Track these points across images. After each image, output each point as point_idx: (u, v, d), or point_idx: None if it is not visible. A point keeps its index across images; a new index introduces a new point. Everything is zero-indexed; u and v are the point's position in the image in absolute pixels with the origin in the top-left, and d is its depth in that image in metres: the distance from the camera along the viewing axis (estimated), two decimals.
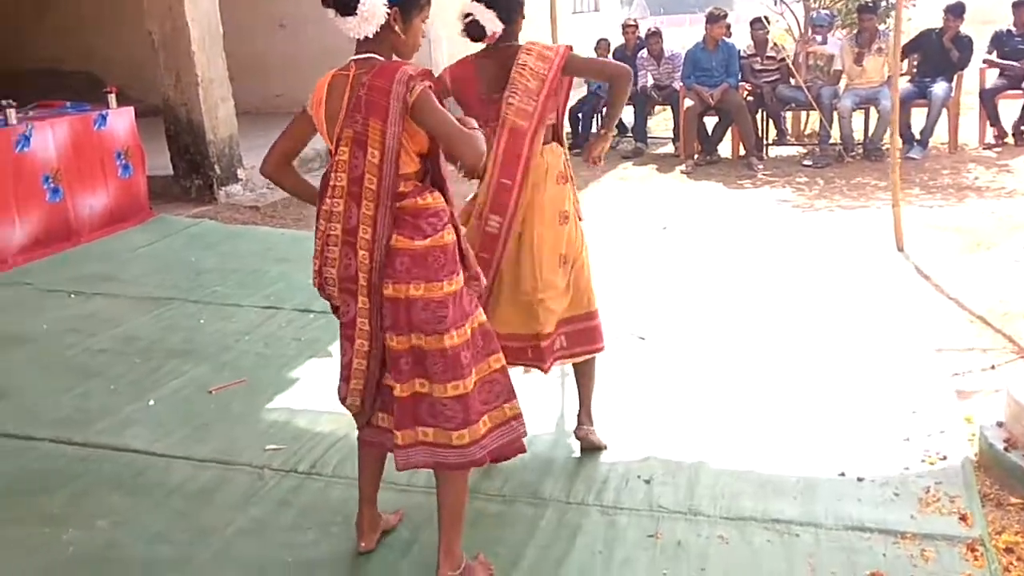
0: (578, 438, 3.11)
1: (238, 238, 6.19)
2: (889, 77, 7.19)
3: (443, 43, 9.73)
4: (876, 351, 3.85)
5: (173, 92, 7.01)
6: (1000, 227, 5.67)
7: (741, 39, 9.18)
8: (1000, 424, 2.95)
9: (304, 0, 9.59)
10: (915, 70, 8.32)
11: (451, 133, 2.17)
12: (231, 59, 7.30)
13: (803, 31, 8.98)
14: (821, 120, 8.24)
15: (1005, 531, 2.58)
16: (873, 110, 8.14)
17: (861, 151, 8.27)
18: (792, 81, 8.40)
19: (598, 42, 9.57)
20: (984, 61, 8.43)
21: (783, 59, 8.41)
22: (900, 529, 2.58)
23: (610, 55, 9.54)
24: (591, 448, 3.10)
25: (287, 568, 2.55)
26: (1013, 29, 8.30)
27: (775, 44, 8.70)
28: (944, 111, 7.97)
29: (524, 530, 2.68)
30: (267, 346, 4.22)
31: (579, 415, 3.14)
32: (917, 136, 8.13)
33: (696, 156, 8.45)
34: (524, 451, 2.46)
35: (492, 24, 2.76)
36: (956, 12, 7.98)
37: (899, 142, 6.11)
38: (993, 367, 3.64)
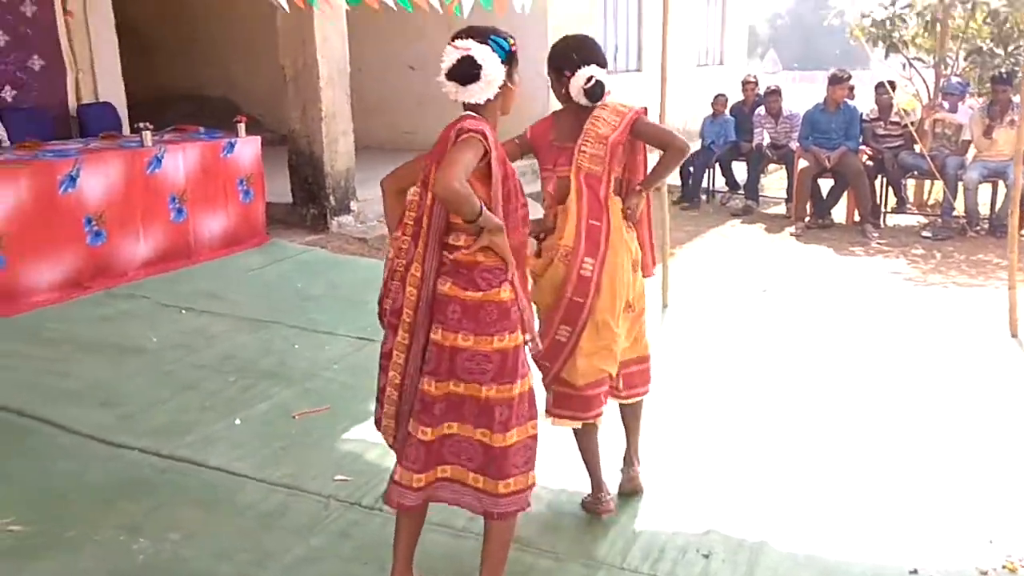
0: (628, 478, 3.20)
1: (343, 268, 6.43)
2: None
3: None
4: (969, 440, 3.65)
5: (299, 124, 7.38)
6: None
7: (868, 101, 8.96)
8: None
9: (433, 45, 9.93)
10: None
11: (445, 163, 2.18)
12: (363, 96, 7.65)
13: (931, 97, 8.69)
14: (944, 191, 7.91)
15: None
16: (1001, 184, 7.77)
17: (986, 226, 7.89)
18: (916, 148, 8.12)
19: (715, 97, 9.52)
20: None
21: (908, 125, 8.15)
22: None
23: (727, 110, 9.48)
24: (632, 492, 3.19)
25: None
26: None
27: (901, 109, 8.45)
28: None
29: None
30: (353, 376, 4.35)
31: (627, 455, 3.25)
32: None
33: (808, 218, 8.26)
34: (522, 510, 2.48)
35: (609, 85, 2.93)
36: None
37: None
38: None
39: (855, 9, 10.12)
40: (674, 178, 8.62)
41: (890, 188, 8.47)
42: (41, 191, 5.28)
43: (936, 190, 8.63)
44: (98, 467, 3.35)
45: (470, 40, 2.29)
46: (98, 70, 7.61)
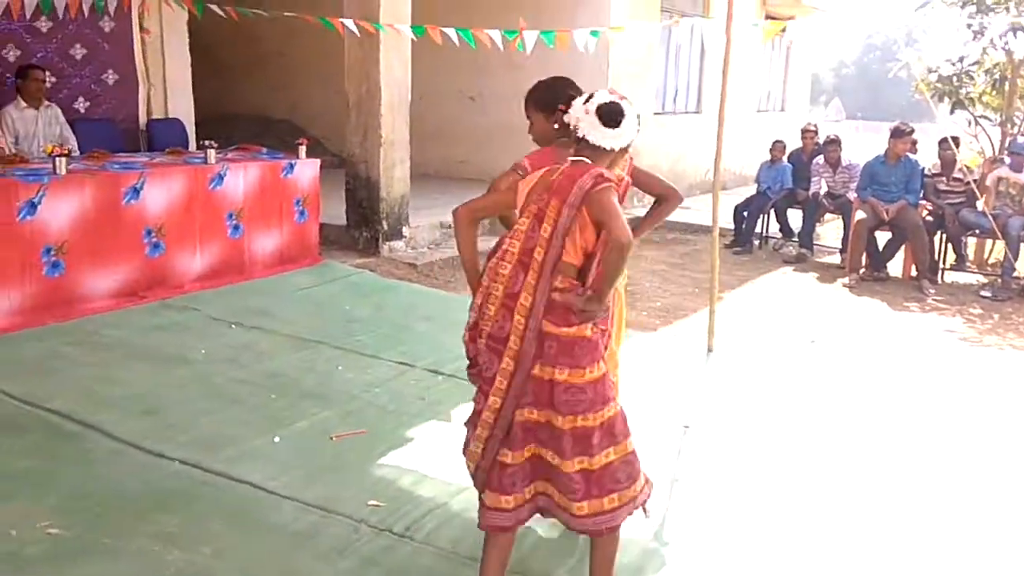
0: None
1: (391, 292, 6.50)
2: None
3: None
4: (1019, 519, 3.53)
5: (359, 149, 7.52)
6: None
7: (931, 155, 8.82)
8: None
9: (493, 77, 10.14)
10: None
11: (613, 217, 2.38)
12: (422, 124, 7.78)
13: (995, 155, 8.52)
14: (1006, 251, 7.73)
15: None
16: None
17: None
18: (978, 206, 7.95)
19: (774, 143, 9.46)
20: None
21: (971, 182, 7.99)
22: None
23: (785, 157, 9.41)
24: None
25: None
26: None
27: (964, 166, 8.29)
28: None
29: None
30: (392, 401, 4.37)
31: None
32: None
33: (862, 270, 8.12)
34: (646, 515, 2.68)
35: None
36: None
37: None
38: None
39: (921, 62, 10.02)
40: (727, 222, 8.57)
41: (949, 245, 8.30)
42: (105, 201, 5.45)
43: (997, 250, 8.43)
44: (137, 475, 3.40)
45: (623, 98, 2.54)
46: (170, 87, 7.86)
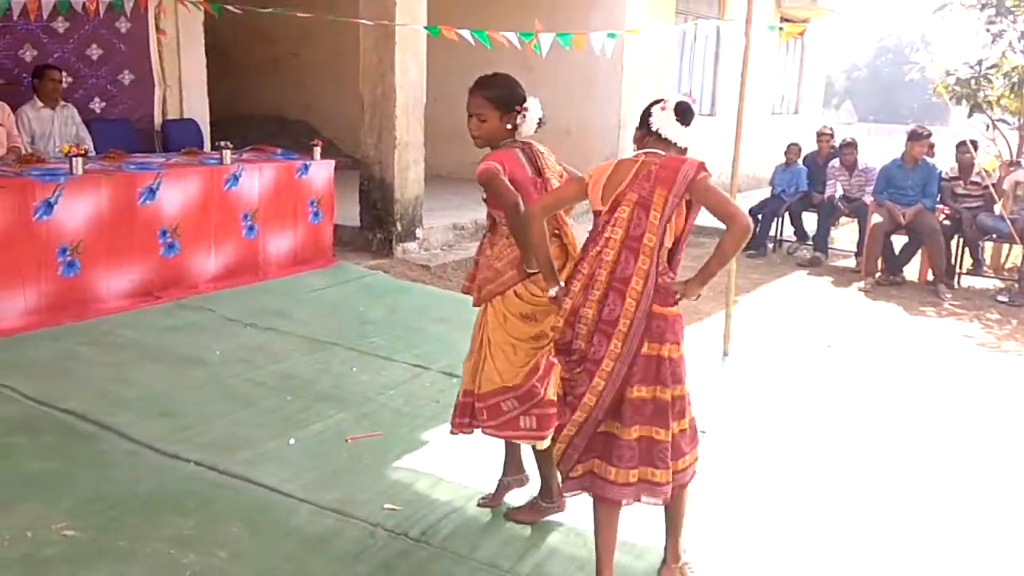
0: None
1: (405, 293, 6.49)
2: None
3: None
4: None
5: (373, 150, 7.51)
6: None
7: (948, 158, 8.76)
8: None
9: None
10: None
11: (723, 202, 2.59)
12: (436, 126, 7.75)
13: (1013, 159, 8.45)
14: None
15: None
16: None
17: None
18: (996, 210, 7.89)
19: (789, 146, 9.41)
20: None
21: (988, 186, 7.93)
22: None
23: (800, 160, 9.36)
24: None
25: None
26: None
27: (982, 170, 8.23)
28: None
29: None
30: (407, 403, 4.36)
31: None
32: None
33: (878, 275, 8.07)
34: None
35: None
36: None
37: None
38: None
39: (936, 66, 9.95)
40: None
41: (966, 249, 8.24)
42: (121, 201, 5.46)
43: (1015, 254, 8.37)
44: (152, 477, 3.39)
45: (694, 102, 2.75)
46: (185, 88, 7.88)
